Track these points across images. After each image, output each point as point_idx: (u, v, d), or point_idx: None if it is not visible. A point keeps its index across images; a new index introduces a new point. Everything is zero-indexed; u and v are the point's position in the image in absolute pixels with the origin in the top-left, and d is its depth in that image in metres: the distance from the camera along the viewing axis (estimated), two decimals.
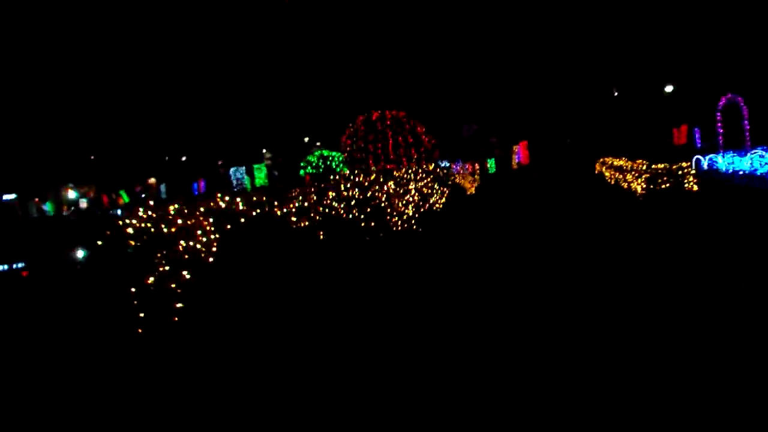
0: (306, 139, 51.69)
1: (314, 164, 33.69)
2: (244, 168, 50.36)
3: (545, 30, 56.72)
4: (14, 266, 30.66)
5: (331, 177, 22.08)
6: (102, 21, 55.65)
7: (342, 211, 18.69)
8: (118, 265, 10.24)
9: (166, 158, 62.61)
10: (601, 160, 41.49)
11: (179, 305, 9.74)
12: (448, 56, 56.68)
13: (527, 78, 57.91)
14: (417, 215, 22.20)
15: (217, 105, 55.94)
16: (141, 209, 10.58)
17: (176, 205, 10.52)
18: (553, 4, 56.51)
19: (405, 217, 21.19)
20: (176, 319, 9.73)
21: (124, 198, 56.16)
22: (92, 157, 64.07)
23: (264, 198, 12.61)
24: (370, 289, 12.00)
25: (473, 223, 23.37)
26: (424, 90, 53.54)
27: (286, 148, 51.61)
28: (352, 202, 19.08)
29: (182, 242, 10.06)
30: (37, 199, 61.48)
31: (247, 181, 49.66)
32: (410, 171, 25.34)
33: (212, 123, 57.53)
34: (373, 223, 19.11)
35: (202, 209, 10.89)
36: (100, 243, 10.69)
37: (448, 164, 39.89)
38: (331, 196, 18.51)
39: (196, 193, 56.19)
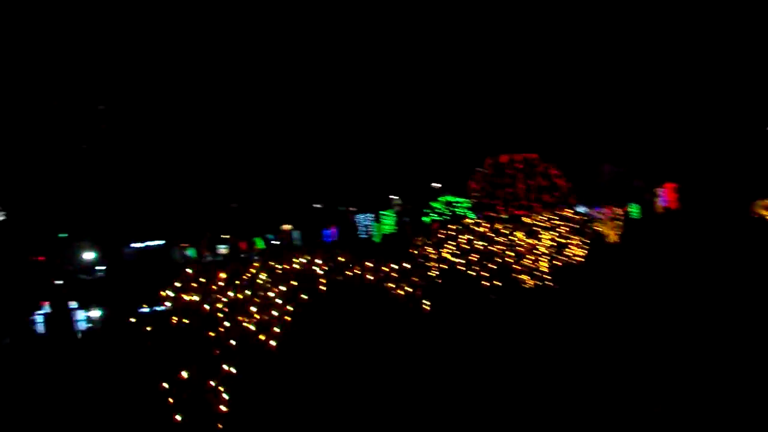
0: (436, 185, 49.32)
1: (439, 211, 31.00)
2: (372, 215, 48.62)
3: (702, 61, 51.28)
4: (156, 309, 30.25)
5: (449, 227, 19.17)
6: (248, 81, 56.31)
7: (462, 267, 15.63)
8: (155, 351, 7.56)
9: (302, 205, 61.90)
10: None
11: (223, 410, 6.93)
12: (585, 94, 52.49)
13: (676, 115, 52.47)
14: (551, 269, 18.61)
15: (350, 150, 54.71)
16: (189, 270, 7.98)
17: (224, 274, 7.86)
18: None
19: (537, 272, 17.72)
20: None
21: (259, 244, 55.73)
22: (233, 205, 64.47)
23: (348, 258, 9.83)
24: (495, 371, 8.74)
25: (619, 278, 19.40)
26: (558, 130, 49.60)
27: (416, 194, 49.41)
28: (474, 257, 16.01)
29: (227, 322, 7.35)
30: (185, 244, 62.86)
31: (375, 227, 47.88)
32: (543, 218, 21.84)
33: (346, 169, 56.27)
34: (499, 281, 15.89)
35: (261, 276, 8.19)
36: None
37: (586, 210, 35.71)
38: (447, 250, 15.52)
39: (329, 239, 54.82)
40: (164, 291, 7.96)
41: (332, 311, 8.86)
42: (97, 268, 56.36)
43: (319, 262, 9.46)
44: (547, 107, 50.88)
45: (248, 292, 7.94)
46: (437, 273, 14.75)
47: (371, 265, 10.50)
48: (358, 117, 54.46)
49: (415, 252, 16.93)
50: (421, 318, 10.98)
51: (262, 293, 8.24)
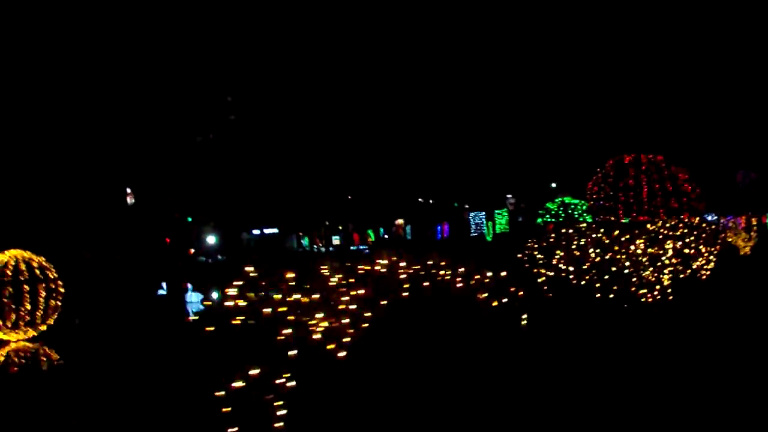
0: (553, 185, 46.96)
1: (553, 212, 29.13)
2: (483, 213, 47.00)
3: None
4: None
5: (562, 231, 17.46)
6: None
7: (572, 277, 14.13)
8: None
9: (419, 200, 61.08)
10: None
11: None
12: (721, 91, 48.38)
13: None
14: (674, 284, 16.60)
15: (466, 146, 53.32)
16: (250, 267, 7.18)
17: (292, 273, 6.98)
18: None
19: (658, 286, 15.82)
20: None
21: (371, 237, 55.54)
22: (349, 197, 64.66)
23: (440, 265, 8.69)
24: (601, 403, 7.41)
25: (752, 298, 17.09)
26: (689, 129, 45.92)
27: (532, 193, 47.27)
28: (586, 265, 14.44)
29: (290, 329, 6.47)
30: (301, 233, 63.79)
31: (487, 226, 46.23)
32: (668, 225, 19.69)
33: (462, 165, 54.89)
34: (613, 293, 14.23)
35: (334, 278, 7.25)
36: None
37: (717, 218, 32.62)
38: (558, 256, 14.07)
39: (439, 237, 53.80)
40: (228, 289, 7.20)
41: (412, 323, 7.82)
42: (216, 252, 58.26)
43: (404, 264, 8.45)
44: (678, 105, 47.31)
45: (317, 296, 7.06)
46: (543, 282, 13.33)
47: (465, 270, 9.33)
48: (479, 112, 53.02)
49: (523, 257, 15.45)
50: (517, 336, 9.58)
51: (336, 297, 7.35)
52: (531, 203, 43.81)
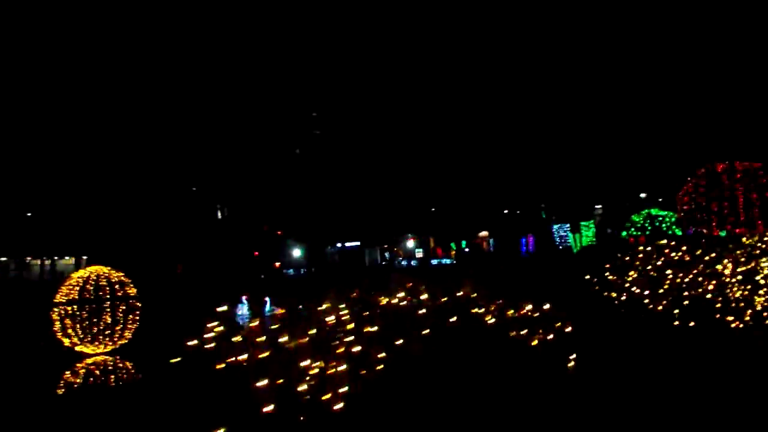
0: (643, 195, 43.85)
1: (639, 225, 26.86)
2: (568, 225, 44.46)
3: None
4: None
5: (641, 248, 15.58)
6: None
7: (647, 301, 12.42)
8: None
9: (504, 211, 59.06)
10: None
11: None
12: None
13: None
14: None
15: (552, 155, 51.01)
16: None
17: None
18: None
19: (750, 310, 13.76)
20: None
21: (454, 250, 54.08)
22: (432, 209, 63.43)
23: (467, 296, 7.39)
24: None
25: None
26: None
27: (620, 204, 44.30)
28: (663, 288, 12.68)
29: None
30: (386, 246, 63.14)
31: (571, 239, 43.66)
32: (765, 239, 17.44)
33: (546, 174, 52.58)
34: (695, 320, 12.40)
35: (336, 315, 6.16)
36: None
37: None
38: (631, 278, 12.39)
39: (524, 250, 51.67)
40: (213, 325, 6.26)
41: (428, 368, 6.59)
42: (302, 265, 58.38)
43: (425, 297, 7.23)
44: None
45: (313, 333, 5.99)
46: (613, 309, 11.68)
47: (501, 303, 7.93)
48: (565, 120, 50.67)
49: (593, 278, 13.80)
50: (562, 383, 7.84)
51: (339, 336, 6.27)
52: (619, 214, 40.88)
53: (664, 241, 15.36)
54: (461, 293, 7.68)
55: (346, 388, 5.91)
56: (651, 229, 26.39)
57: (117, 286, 25.34)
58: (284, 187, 60.77)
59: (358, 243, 60.54)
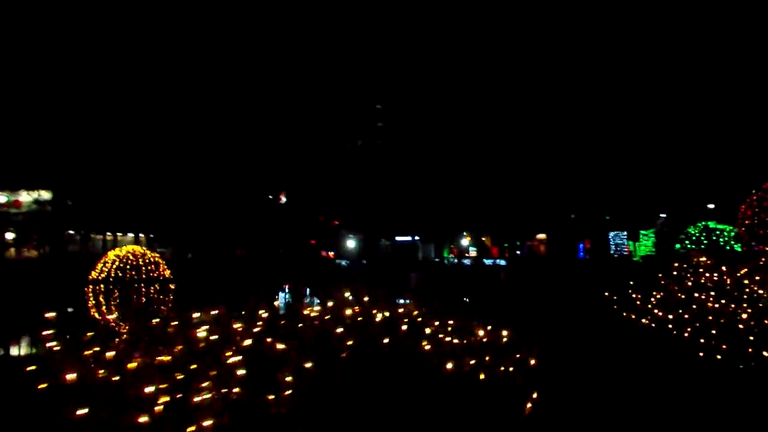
0: (711, 206, 40.45)
1: (694, 238, 24.43)
2: (625, 233, 41.63)
3: None
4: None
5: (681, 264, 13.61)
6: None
7: (671, 326, 10.62)
8: None
9: (564, 215, 56.39)
10: None
11: None
12: None
13: None
14: None
15: (615, 160, 48.19)
16: None
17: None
18: None
19: None
20: None
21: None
22: (491, 208, 61.08)
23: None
24: None
25: None
26: None
27: (686, 213, 40.98)
28: (689, 313, 10.83)
29: None
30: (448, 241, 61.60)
31: (633, 247, 40.81)
32: None
33: (608, 180, 49.75)
34: (724, 352, 10.52)
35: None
36: None
37: None
38: (656, 300, 10.61)
39: (582, 255, 49.09)
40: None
41: (346, 400, 5.18)
42: (355, 256, 57.53)
43: (350, 313, 5.86)
44: None
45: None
46: (630, 334, 9.96)
47: (453, 324, 6.38)
48: (632, 122, 47.77)
49: (612, 297, 12.05)
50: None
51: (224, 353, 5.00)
52: (679, 225, 37.64)
53: (703, 258, 13.38)
54: (407, 309, 6.30)
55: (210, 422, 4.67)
56: (707, 243, 23.99)
57: (152, 267, 25.00)
58: (344, 177, 60.06)
59: (415, 237, 59.21)
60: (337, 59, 59.78)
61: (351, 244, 58.51)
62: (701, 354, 10.18)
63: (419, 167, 58.40)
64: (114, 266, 24.92)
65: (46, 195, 53.96)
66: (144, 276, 24.16)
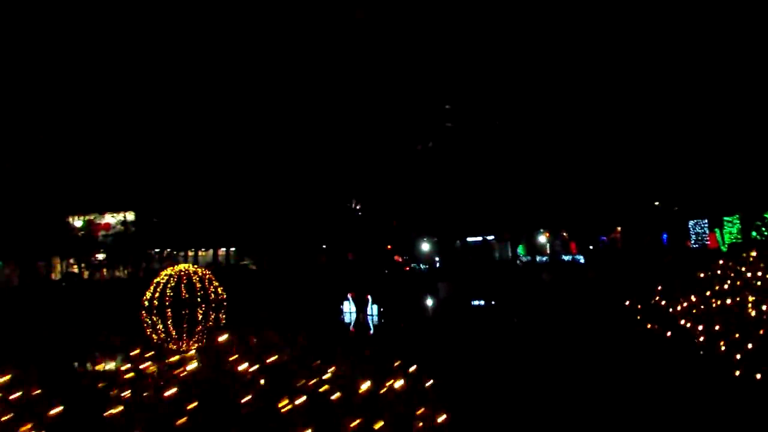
0: None
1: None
2: (706, 221, 38.10)
3: None
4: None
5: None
6: None
7: (701, 339, 8.94)
8: None
9: (639, 205, 52.71)
10: None
11: None
12: None
13: None
14: None
15: (697, 142, 44.54)
16: None
17: None
18: None
19: None
20: None
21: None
22: (568, 202, 58.17)
23: None
24: None
25: None
26: None
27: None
28: (721, 324, 9.06)
29: None
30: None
31: (719, 236, 37.18)
32: None
33: (691, 165, 46.07)
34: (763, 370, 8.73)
35: None
36: None
37: None
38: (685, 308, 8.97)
39: (666, 243, 45.82)
40: None
41: None
42: (430, 260, 56.32)
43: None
44: None
45: None
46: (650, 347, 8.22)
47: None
48: (709, 102, 44.11)
49: (635, 306, 10.31)
50: None
51: None
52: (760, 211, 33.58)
53: (753, 253, 11.35)
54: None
55: None
56: None
57: (205, 284, 24.83)
58: (415, 179, 58.82)
59: (490, 237, 57.34)
60: (404, 61, 58.80)
61: (426, 247, 57.35)
62: (737, 372, 8.40)
63: (490, 165, 56.45)
64: (167, 286, 24.81)
65: (130, 216, 56.19)
66: (199, 293, 23.94)
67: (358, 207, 62.93)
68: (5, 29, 48.08)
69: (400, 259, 56.75)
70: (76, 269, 55.99)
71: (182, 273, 23.44)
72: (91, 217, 56.24)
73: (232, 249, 63.36)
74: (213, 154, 57.12)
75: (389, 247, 61.79)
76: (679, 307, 10.22)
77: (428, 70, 58.73)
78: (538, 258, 50.24)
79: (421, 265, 56.12)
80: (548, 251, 54.71)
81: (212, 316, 22.04)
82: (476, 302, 30.80)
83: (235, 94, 57.19)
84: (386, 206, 59.98)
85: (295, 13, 56.18)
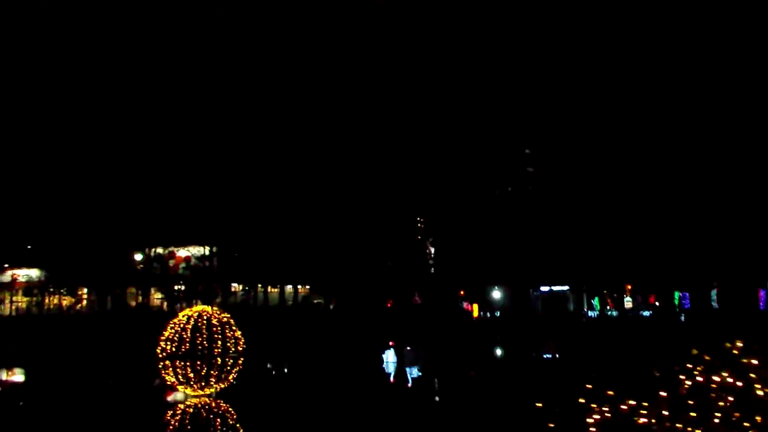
0: None
1: None
2: None
3: None
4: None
5: None
6: None
7: None
8: None
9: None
10: None
11: None
12: None
13: None
14: None
15: None
16: None
17: None
18: None
19: None
20: None
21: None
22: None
23: None
24: None
25: None
26: None
27: None
28: None
29: None
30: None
31: None
32: None
33: None
34: None
35: None
36: None
37: None
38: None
39: (763, 305, 41.09)
40: None
41: None
42: (500, 308, 53.37)
43: None
44: None
45: None
46: None
47: None
48: None
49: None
50: None
51: None
52: None
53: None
54: None
55: None
56: None
57: (222, 328, 23.85)
58: (488, 224, 56.40)
59: (566, 288, 53.80)
60: (480, 105, 57.27)
61: (497, 294, 54.54)
62: None
63: (565, 209, 53.34)
64: (185, 328, 23.89)
65: (208, 250, 57.14)
66: (217, 337, 22.85)
67: (432, 251, 61.22)
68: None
69: (469, 307, 54.24)
70: (158, 300, 57.54)
71: (202, 314, 22.50)
72: (171, 250, 57.79)
73: (299, 286, 63.03)
74: (292, 192, 57.30)
75: (462, 293, 59.46)
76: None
77: (507, 117, 56.91)
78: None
79: (489, 313, 53.44)
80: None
81: (228, 362, 21.13)
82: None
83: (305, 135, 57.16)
84: (460, 250, 57.87)
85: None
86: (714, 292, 43.73)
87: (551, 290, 53.27)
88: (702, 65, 45.98)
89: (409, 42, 55.24)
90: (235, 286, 61.98)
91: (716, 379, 6.20)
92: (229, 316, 23.47)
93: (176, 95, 54.42)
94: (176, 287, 56.95)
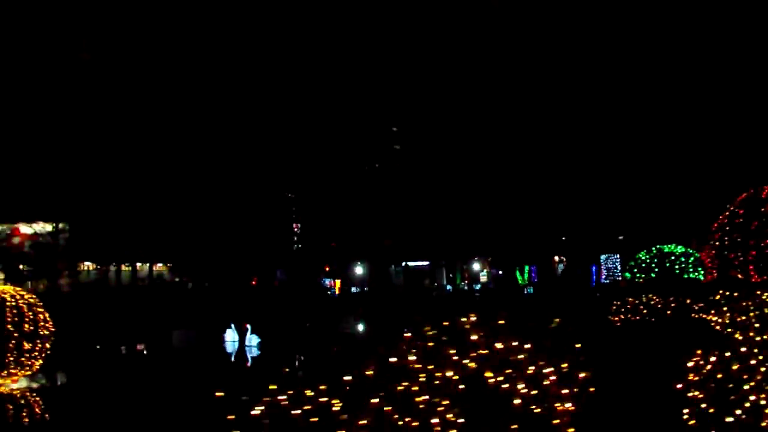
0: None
1: (644, 265, 19.25)
2: (617, 256, 35.67)
3: None
4: None
5: None
6: None
7: None
8: None
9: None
10: None
11: None
12: None
13: None
14: None
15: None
16: None
17: None
18: None
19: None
20: None
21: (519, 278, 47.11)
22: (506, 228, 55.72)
23: None
24: None
25: None
26: None
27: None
28: None
29: None
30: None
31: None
32: None
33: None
34: None
35: None
36: None
37: None
38: None
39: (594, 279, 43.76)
40: None
41: None
42: (364, 284, 53.88)
43: None
44: None
45: None
46: None
47: None
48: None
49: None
50: None
51: None
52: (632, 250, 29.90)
53: None
54: None
55: None
56: (658, 270, 19.00)
57: (24, 309, 22.16)
58: (354, 202, 56.43)
59: (427, 263, 55.02)
60: (347, 79, 56.33)
61: (359, 270, 54.89)
62: None
63: (427, 186, 54.11)
64: None
65: (56, 226, 53.03)
66: (14, 320, 20.92)
67: (297, 227, 60.54)
68: None
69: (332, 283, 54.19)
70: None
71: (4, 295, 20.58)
72: (14, 226, 53.27)
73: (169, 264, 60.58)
74: (149, 165, 54.24)
75: (327, 268, 59.37)
76: None
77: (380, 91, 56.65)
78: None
79: (354, 288, 53.72)
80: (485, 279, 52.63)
81: (37, 345, 19.63)
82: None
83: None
84: (326, 227, 57.58)
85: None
86: (561, 267, 46.14)
87: (412, 265, 54.26)
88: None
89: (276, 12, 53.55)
90: (89, 265, 58.47)
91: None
92: (35, 298, 21.72)
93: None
94: (21, 266, 52.74)
